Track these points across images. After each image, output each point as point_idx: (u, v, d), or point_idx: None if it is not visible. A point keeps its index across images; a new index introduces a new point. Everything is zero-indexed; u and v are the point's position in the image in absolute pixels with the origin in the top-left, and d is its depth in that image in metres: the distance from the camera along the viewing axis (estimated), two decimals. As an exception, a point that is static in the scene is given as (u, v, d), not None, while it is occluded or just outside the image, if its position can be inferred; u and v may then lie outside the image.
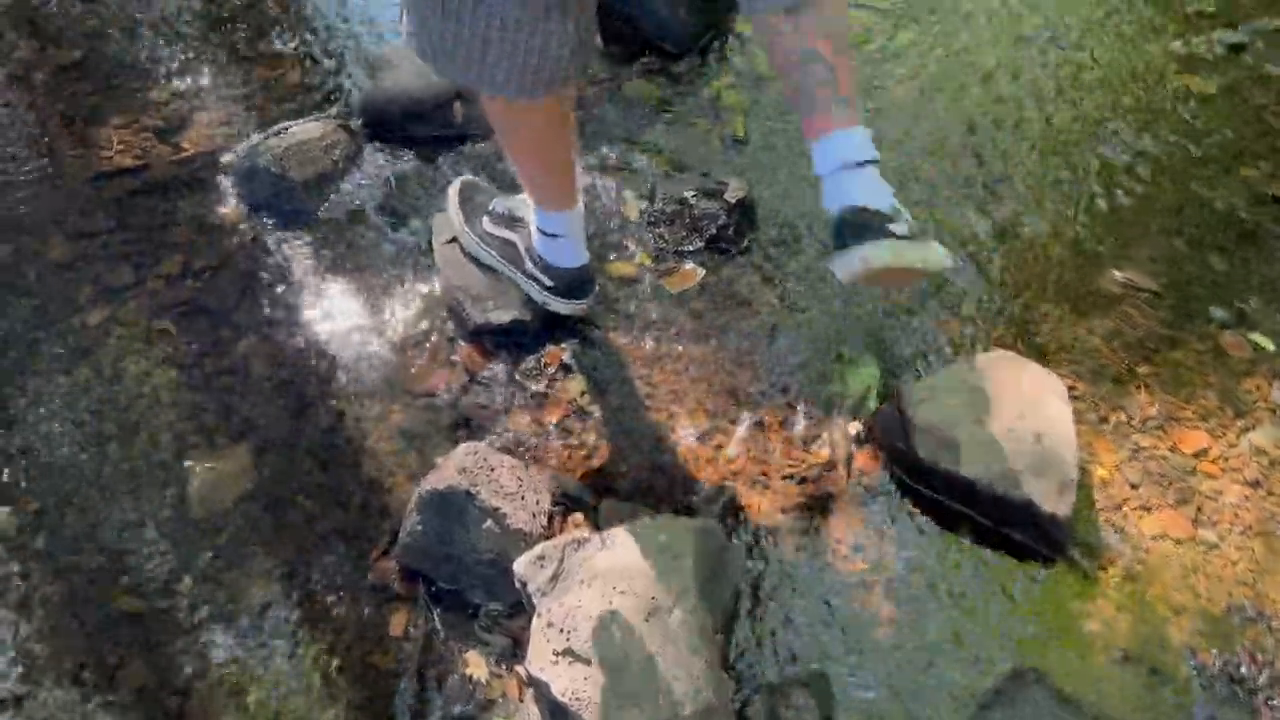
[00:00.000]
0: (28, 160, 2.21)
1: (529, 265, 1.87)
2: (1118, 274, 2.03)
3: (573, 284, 1.87)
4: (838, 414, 1.82)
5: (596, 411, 1.83)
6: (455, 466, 1.59)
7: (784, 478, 1.74)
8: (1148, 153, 2.25)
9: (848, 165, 1.33)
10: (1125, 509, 1.69)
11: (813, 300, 2.00)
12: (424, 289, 2.01)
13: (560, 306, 1.90)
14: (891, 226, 1.30)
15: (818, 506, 1.71)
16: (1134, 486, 1.72)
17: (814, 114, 1.31)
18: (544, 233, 1.82)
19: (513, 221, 1.90)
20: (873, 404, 1.83)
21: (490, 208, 1.96)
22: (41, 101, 2.33)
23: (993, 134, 2.30)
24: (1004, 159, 2.25)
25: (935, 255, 1.30)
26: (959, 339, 1.93)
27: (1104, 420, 1.81)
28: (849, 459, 1.77)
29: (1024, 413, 1.69)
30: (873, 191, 1.34)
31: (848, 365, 1.90)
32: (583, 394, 1.85)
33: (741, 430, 1.80)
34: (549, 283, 1.87)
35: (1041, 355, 1.88)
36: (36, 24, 2.51)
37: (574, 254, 1.84)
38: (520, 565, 1.46)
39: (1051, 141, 2.29)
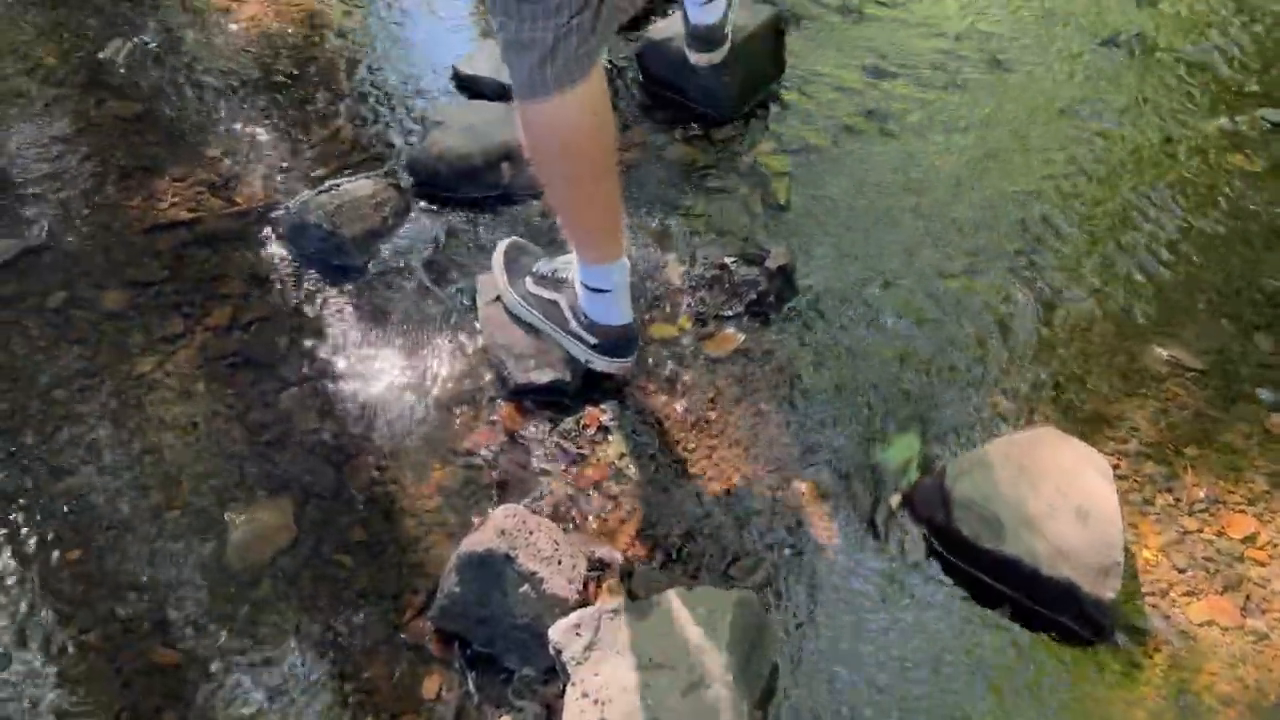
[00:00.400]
0: (87, 209, 2.27)
1: (573, 324, 1.88)
2: (1162, 351, 2.01)
3: (618, 342, 1.88)
4: (878, 484, 1.81)
5: (634, 475, 1.83)
6: (494, 528, 1.59)
7: (822, 548, 1.73)
8: (1193, 229, 2.25)
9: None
10: (1171, 594, 1.66)
11: (853, 368, 2.00)
12: (467, 347, 2.03)
13: (604, 365, 1.91)
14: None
15: (857, 579, 1.69)
16: (1180, 571, 1.69)
17: None
18: (589, 288, 1.82)
19: (557, 283, 1.92)
20: (913, 475, 1.82)
21: (534, 269, 1.98)
22: (103, 153, 2.40)
23: (1035, 207, 2.31)
24: (1046, 232, 2.25)
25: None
26: (1001, 412, 1.92)
27: (1149, 501, 1.78)
28: (887, 531, 1.75)
29: (1067, 491, 1.67)
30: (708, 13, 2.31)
31: (888, 434, 1.89)
32: (621, 457, 1.85)
33: (780, 498, 1.79)
34: (593, 341, 1.88)
35: (1084, 432, 1.86)
36: (101, 78, 2.59)
37: (619, 311, 1.85)
38: (556, 633, 1.46)
39: (1094, 216, 2.29)
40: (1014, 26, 2.81)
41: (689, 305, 2.12)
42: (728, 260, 2.17)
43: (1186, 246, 2.21)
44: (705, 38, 2.41)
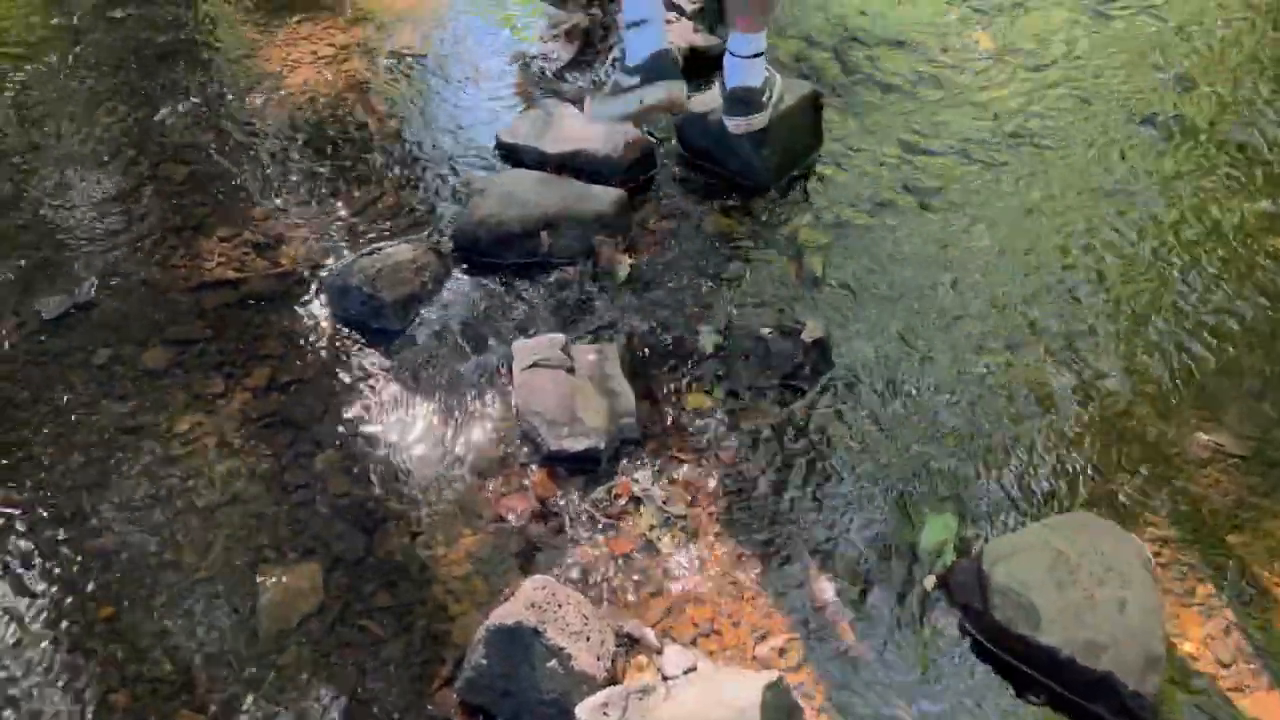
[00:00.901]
0: (136, 267, 2.32)
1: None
2: (1204, 437, 1.98)
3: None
4: (913, 565, 1.78)
5: (666, 548, 1.81)
6: (524, 600, 1.58)
7: (854, 629, 1.70)
8: (1234, 313, 2.22)
9: (737, 55, 2.37)
10: (1215, 689, 1.61)
11: (888, 445, 1.98)
12: (501, 412, 2.04)
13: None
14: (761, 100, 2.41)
15: (889, 664, 1.66)
16: (1224, 665, 1.64)
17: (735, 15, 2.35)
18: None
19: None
20: (949, 558, 1.79)
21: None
22: (153, 213, 2.46)
23: (1073, 287, 2.30)
24: (1085, 313, 2.24)
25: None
26: (1039, 494, 1.89)
27: (1190, 591, 1.74)
28: (922, 614, 1.72)
29: (1106, 579, 1.63)
30: (746, 75, 2.39)
31: (924, 514, 1.87)
32: (652, 528, 1.84)
33: (813, 576, 1.77)
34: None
35: (1124, 517, 1.83)
36: (155, 140, 2.67)
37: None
38: (583, 711, 1.44)
39: (1134, 297, 2.27)
40: (1052, 106, 2.82)
41: (723, 376, 2.12)
42: (764, 332, 2.17)
43: (1227, 329, 2.19)
44: (742, 99, 2.43)
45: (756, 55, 2.39)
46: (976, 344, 2.18)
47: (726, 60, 2.42)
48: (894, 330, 2.21)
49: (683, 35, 2.96)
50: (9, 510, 1.86)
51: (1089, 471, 1.93)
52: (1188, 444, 1.97)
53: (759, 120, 2.45)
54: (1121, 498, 1.88)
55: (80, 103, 2.78)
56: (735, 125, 2.46)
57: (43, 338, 2.15)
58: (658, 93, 2.35)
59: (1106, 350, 2.16)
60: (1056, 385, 2.09)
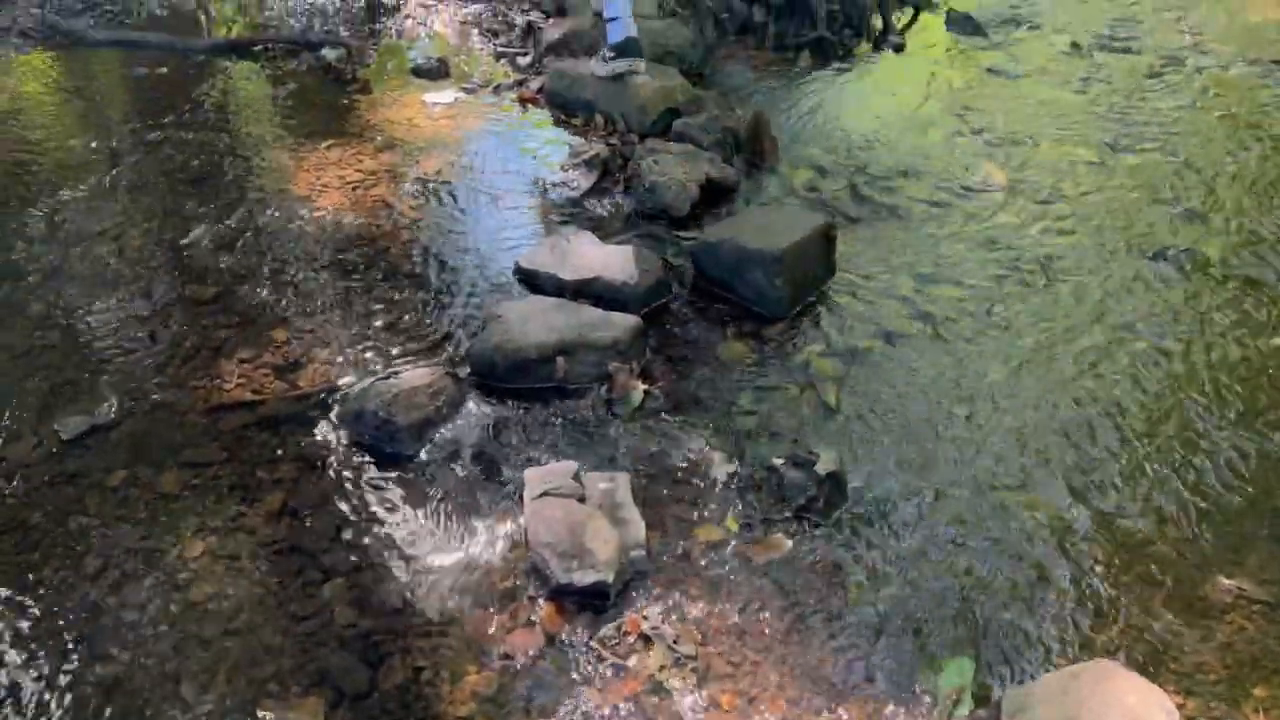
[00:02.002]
0: (156, 388, 2.35)
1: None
2: (1226, 581, 1.94)
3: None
4: (930, 711, 1.73)
5: (675, 689, 1.77)
6: (528, 746, 1.54)
7: (869, 782, 1.64)
8: (1254, 451, 2.20)
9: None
10: None
11: (904, 583, 1.95)
12: (511, 542, 2.03)
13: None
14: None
15: (905, 820, 1.59)
16: (1256, 829, 1.57)
17: None
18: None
19: None
20: (967, 706, 1.74)
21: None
22: (177, 333, 2.51)
23: (1089, 421, 2.29)
24: (1101, 448, 2.22)
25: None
26: (1058, 639, 1.85)
27: (1219, 747, 1.68)
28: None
29: (1131, 734, 1.58)
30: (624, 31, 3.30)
31: (939, 657, 1.82)
32: (661, 669, 1.80)
33: (825, 723, 1.72)
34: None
35: (1146, 666, 1.78)
36: (183, 262, 2.74)
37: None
38: None
39: (1151, 433, 2.26)
40: (1063, 237, 2.87)
41: (737, 507, 2.11)
42: (777, 462, 2.16)
43: (1248, 469, 2.16)
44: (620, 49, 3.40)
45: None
46: (992, 479, 2.16)
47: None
48: (909, 463, 2.20)
49: (699, 167, 3.04)
50: (15, 635, 1.84)
51: (1109, 616, 1.88)
52: (1210, 587, 1.93)
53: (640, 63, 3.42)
54: (1143, 644, 1.83)
55: (114, 224, 2.87)
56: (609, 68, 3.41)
57: (61, 458, 2.17)
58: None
59: (1124, 487, 2.13)
60: (1074, 523, 2.06)
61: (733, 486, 2.15)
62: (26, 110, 3.45)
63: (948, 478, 2.17)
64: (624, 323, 2.49)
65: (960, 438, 2.26)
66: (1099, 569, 1.97)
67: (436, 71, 3.72)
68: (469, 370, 2.42)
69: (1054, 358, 2.48)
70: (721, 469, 2.20)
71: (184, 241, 2.81)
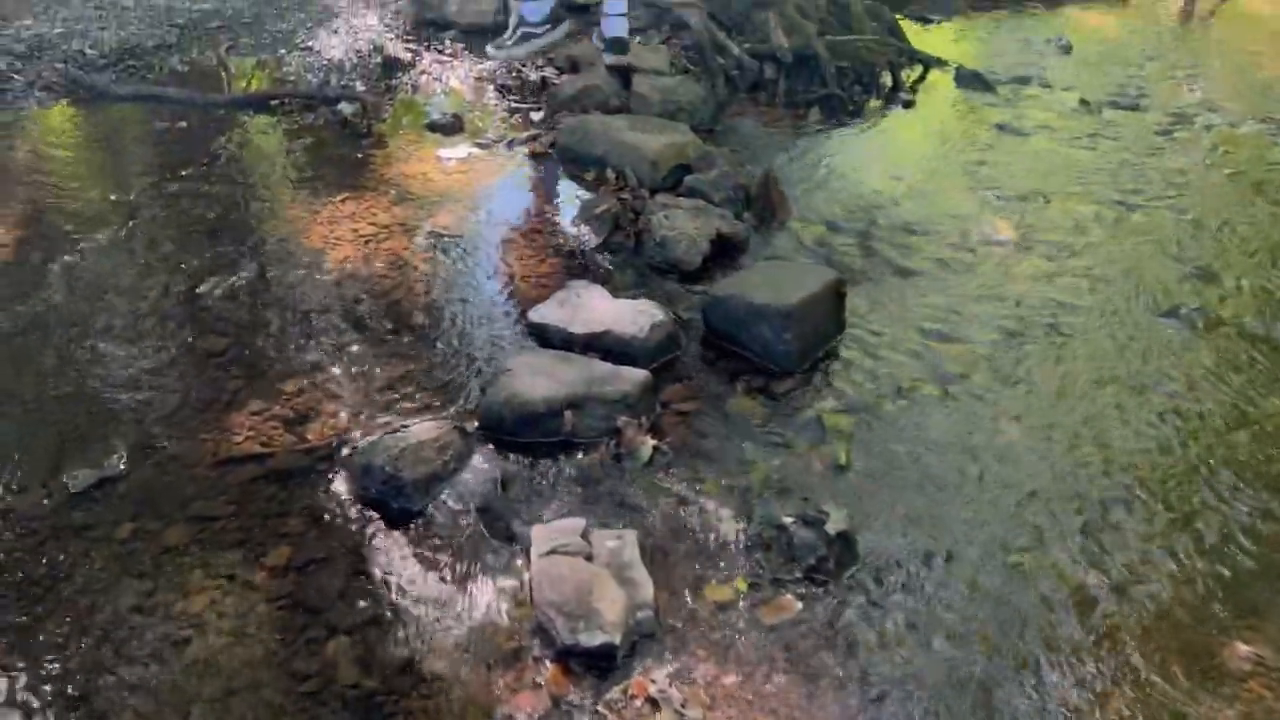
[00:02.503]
0: (166, 441, 2.35)
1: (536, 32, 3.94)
2: (1244, 647, 1.90)
3: (555, 19, 3.98)
4: (940, 782, 1.69)
5: (681, 754, 1.74)
6: (530, 814, 1.51)
7: None
8: (1272, 514, 2.17)
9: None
10: None
11: (915, 646, 1.92)
12: (517, 600, 2.01)
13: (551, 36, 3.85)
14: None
15: None
16: None
17: None
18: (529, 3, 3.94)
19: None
20: (979, 776, 1.70)
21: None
22: (187, 385, 2.51)
23: (1101, 481, 2.27)
24: (1114, 508, 2.20)
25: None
26: (1071, 709, 1.81)
27: (1241, 822, 1.63)
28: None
29: (1149, 807, 1.54)
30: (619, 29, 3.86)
31: (951, 724, 1.79)
32: (668, 733, 1.77)
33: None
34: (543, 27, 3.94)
35: (1165, 735, 1.74)
36: (196, 313, 2.76)
37: (547, 6, 3.96)
38: None
39: (1165, 494, 2.24)
40: (1073, 294, 2.87)
41: (746, 566, 2.09)
42: (786, 521, 2.15)
43: (1265, 532, 2.13)
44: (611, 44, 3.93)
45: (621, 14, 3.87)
46: (1004, 539, 2.14)
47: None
48: (920, 522, 2.18)
49: (709, 222, 3.06)
50: (14, 689, 1.82)
51: (1124, 682, 1.85)
52: (1227, 654, 1.89)
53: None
54: (1158, 713, 1.79)
55: (129, 275, 2.89)
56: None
57: (69, 511, 2.16)
58: (562, 30, 4.03)
59: (1138, 549, 2.10)
60: (1087, 585, 2.03)
61: (742, 545, 2.13)
62: (48, 163, 3.50)
63: (959, 538, 2.14)
64: (633, 377, 2.49)
65: (972, 497, 2.24)
66: (1112, 633, 1.93)
67: (451, 126, 3.77)
68: (477, 424, 2.42)
69: (1066, 416, 2.46)
70: (730, 527, 2.18)
71: (198, 293, 2.83)
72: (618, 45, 3.90)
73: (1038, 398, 2.51)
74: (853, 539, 2.11)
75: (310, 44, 4.35)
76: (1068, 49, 4.60)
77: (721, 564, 2.09)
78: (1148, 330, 2.72)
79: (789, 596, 2.03)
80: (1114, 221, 3.23)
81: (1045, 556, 2.10)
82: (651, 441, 2.38)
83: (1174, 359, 2.62)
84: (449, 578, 2.06)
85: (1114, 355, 2.64)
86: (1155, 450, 2.36)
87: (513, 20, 4.02)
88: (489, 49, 4.16)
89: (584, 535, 2.08)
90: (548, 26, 3.98)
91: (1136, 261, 3.02)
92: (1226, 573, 2.05)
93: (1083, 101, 4.08)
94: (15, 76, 3.94)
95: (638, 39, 4.37)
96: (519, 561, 2.08)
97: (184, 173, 3.40)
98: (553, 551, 2.04)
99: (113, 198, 3.29)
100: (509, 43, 4.02)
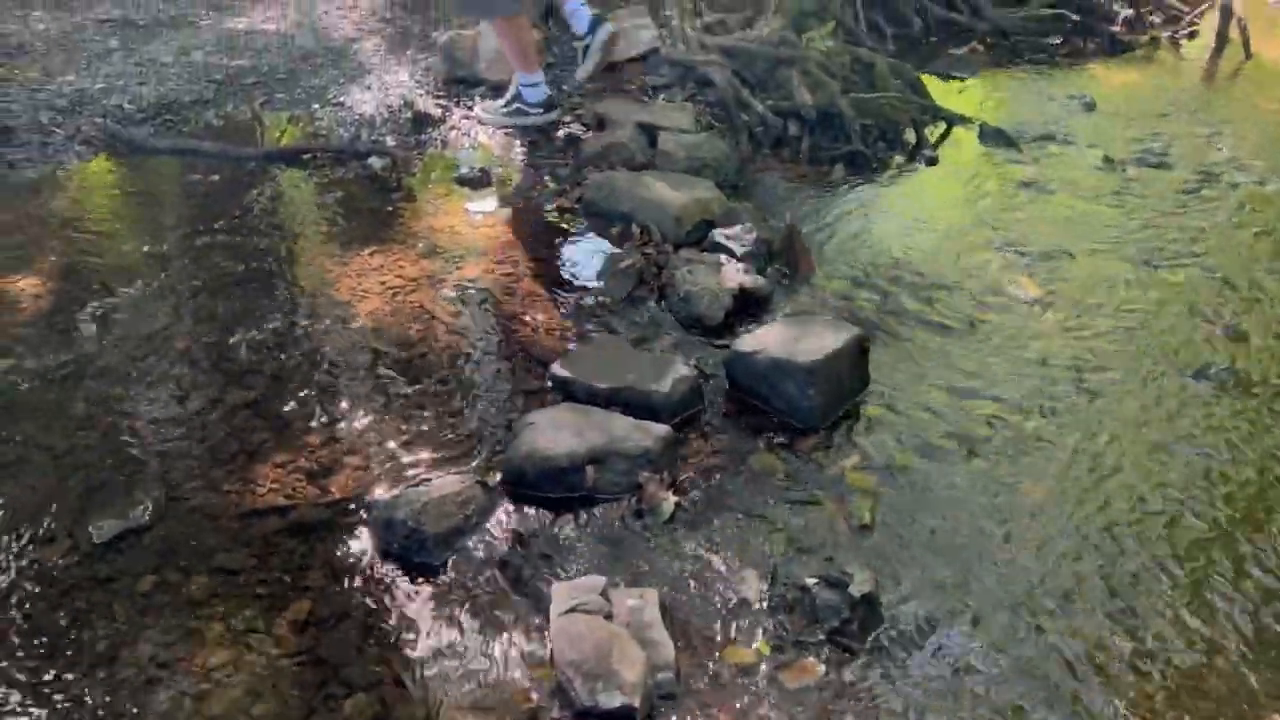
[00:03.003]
0: (190, 492, 2.37)
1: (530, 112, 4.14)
2: (1282, 720, 1.85)
3: (549, 105, 4.16)
4: None
5: (701, 822, 1.71)
6: None
7: None
8: (1305, 581, 2.13)
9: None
10: None
11: (940, 714, 1.88)
12: (536, 659, 1.99)
13: (540, 119, 4.14)
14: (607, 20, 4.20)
15: None
16: None
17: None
18: (528, 85, 4.12)
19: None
20: None
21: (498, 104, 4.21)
22: (214, 436, 2.54)
23: (1131, 544, 2.23)
24: (1145, 573, 2.16)
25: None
26: (1103, 779, 1.77)
27: None
28: None
29: None
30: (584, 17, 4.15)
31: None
32: (688, 799, 1.74)
33: None
34: (536, 109, 4.13)
35: (1200, 811, 1.69)
36: (224, 365, 2.79)
37: (545, 91, 4.16)
38: None
39: (1198, 559, 2.20)
40: (1099, 352, 2.84)
41: (767, 629, 2.06)
42: (809, 581, 2.12)
43: (1300, 599, 2.09)
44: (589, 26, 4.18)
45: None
46: (1032, 603, 2.10)
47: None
48: (945, 585, 2.15)
49: (733, 277, 3.07)
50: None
51: (1158, 755, 1.80)
52: (1265, 727, 1.84)
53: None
54: (1195, 787, 1.75)
55: (160, 326, 2.93)
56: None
57: (92, 561, 2.18)
58: (551, 118, 4.22)
59: (1169, 615, 2.06)
60: (1117, 652, 1.99)
61: (764, 606, 2.11)
62: (85, 215, 3.58)
63: (986, 601, 2.11)
64: (655, 432, 2.49)
65: (998, 559, 2.21)
66: (1143, 703, 1.89)
67: (479, 181, 3.82)
68: (500, 478, 2.42)
69: (1093, 477, 2.43)
70: (753, 587, 2.16)
71: (227, 344, 2.86)
72: (594, 21, 4.21)
73: (1064, 457, 2.49)
74: (877, 601, 2.08)
75: (342, 99, 4.43)
76: (1091, 106, 4.61)
77: (743, 625, 2.07)
78: (1177, 390, 2.69)
79: (812, 660, 2.00)
80: (1140, 279, 3.21)
81: (1074, 621, 2.06)
82: (673, 498, 2.37)
83: (1204, 419, 2.59)
84: (468, 635, 2.05)
85: (1143, 415, 2.61)
86: (1187, 513, 2.32)
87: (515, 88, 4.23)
88: (478, 108, 4.32)
89: (604, 593, 2.07)
90: (539, 110, 4.17)
91: (1164, 320, 2.99)
92: (1261, 640, 2.00)
93: (1107, 159, 4.08)
94: (57, 130, 4.04)
95: (662, 96, 4.43)
96: (538, 619, 2.07)
97: (216, 225, 3.46)
98: (573, 609, 2.02)
99: (146, 249, 3.34)
100: (500, 110, 4.21)
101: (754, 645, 2.03)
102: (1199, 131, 4.41)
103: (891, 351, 2.88)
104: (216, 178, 3.82)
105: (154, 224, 3.57)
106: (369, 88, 4.57)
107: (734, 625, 2.06)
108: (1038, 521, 2.31)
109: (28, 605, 2.08)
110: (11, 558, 2.18)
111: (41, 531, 2.25)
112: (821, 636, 2.03)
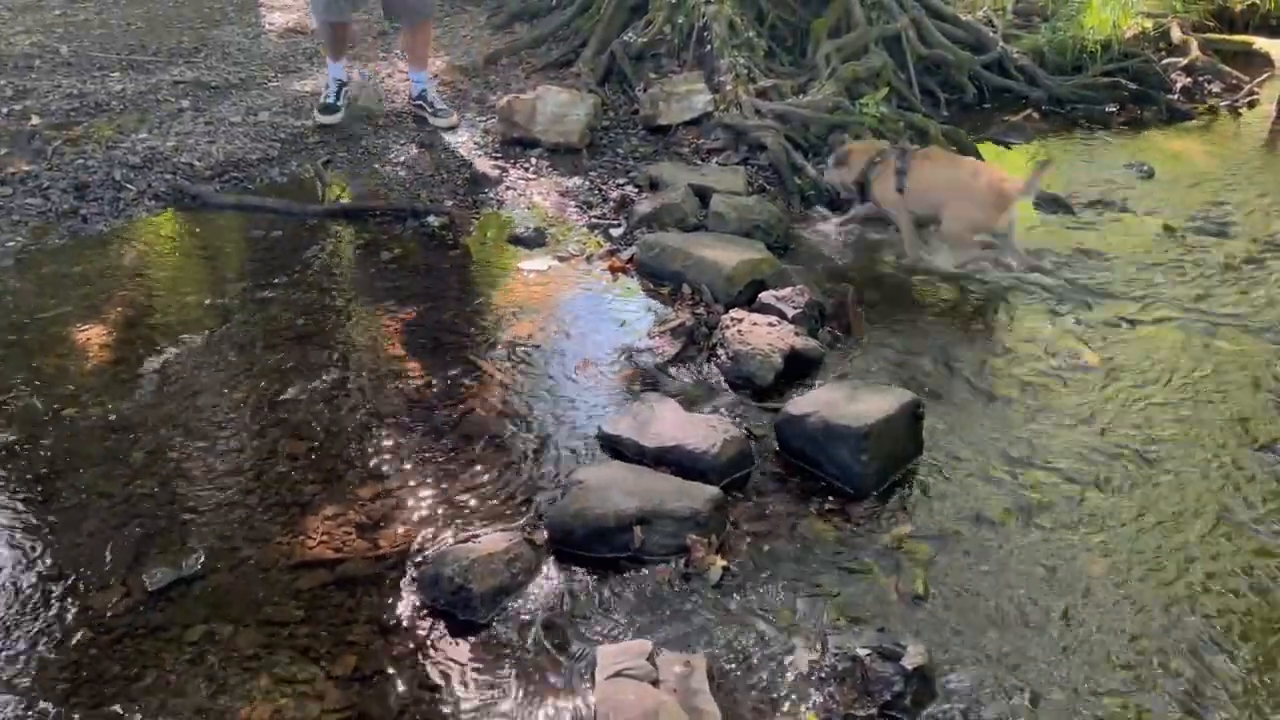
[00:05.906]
0: (242, 543, 2.39)
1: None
2: (1363, 816, 1.75)
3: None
4: None
5: None
6: None
7: None
8: (1384, 667, 2.03)
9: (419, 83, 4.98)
10: None
11: (996, 796, 1.81)
12: (581, 724, 1.96)
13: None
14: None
15: None
16: None
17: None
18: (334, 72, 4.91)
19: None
20: None
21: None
22: (267, 488, 2.56)
23: (1196, 622, 2.15)
24: (1211, 652, 2.08)
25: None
26: None
27: None
28: None
29: None
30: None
31: None
32: None
33: None
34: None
35: None
36: (280, 417, 2.83)
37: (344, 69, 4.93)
38: None
39: (1265, 640, 2.11)
40: (1162, 426, 2.78)
41: (816, 700, 2.01)
42: (861, 652, 2.07)
43: (1379, 687, 1.99)
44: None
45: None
46: (1092, 682, 2.03)
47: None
48: (1002, 660, 2.09)
49: (783, 338, 3.06)
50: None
51: None
52: (1344, 824, 1.75)
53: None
54: None
55: (219, 378, 2.99)
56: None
57: (144, 610, 2.20)
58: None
59: (1238, 702, 1.98)
60: (1185, 737, 1.91)
61: (814, 676, 2.06)
62: (151, 268, 3.68)
63: (1044, 678, 2.04)
64: (704, 494, 2.46)
65: (1057, 635, 2.14)
66: (1215, 793, 1.81)
67: (533, 240, 3.87)
68: (547, 536, 2.41)
69: (1156, 552, 2.36)
70: (802, 656, 2.11)
71: (283, 396, 2.91)
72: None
73: (1125, 530, 2.42)
74: (931, 675, 2.03)
75: (402, 159, 4.54)
76: (1149, 174, 4.57)
77: (793, 695, 2.02)
78: (1242, 464, 2.61)
79: (863, 733, 1.94)
80: (1202, 349, 3.15)
81: (1135, 701, 1.98)
82: (721, 562, 2.34)
83: (1269, 494, 2.51)
84: (512, 696, 2.03)
85: (1206, 488, 2.54)
86: (1251, 591, 2.23)
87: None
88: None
89: (650, 658, 2.04)
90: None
91: (1227, 391, 2.92)
92: (1338, 731, 1.91)
93: (1166, 226, 4.03)
94: (129, 186, 4.18)
95: (715, 160, 4.47)
96: (584, 683, 2.04)
97: (276, 280, 3.54)
98: (619, 674, 1.99)
99: (208, 302, 3.43)
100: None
101: (803, 716, 1.98)
102: (1260, 200, 4.34)
103: (946, 417, 2.84)
104: (279, 233, 3.92)
105: (217, 277, 3.66)
106: (429, 147, 4.68)
107: (783, 695, 2.02)
108: (1097, 596, 2.24)
109: (81, 651, 2.10)
110: (68, 603, 2.21)
111: (98, 577, 2.28)
112: (873, 710, 1.98)
